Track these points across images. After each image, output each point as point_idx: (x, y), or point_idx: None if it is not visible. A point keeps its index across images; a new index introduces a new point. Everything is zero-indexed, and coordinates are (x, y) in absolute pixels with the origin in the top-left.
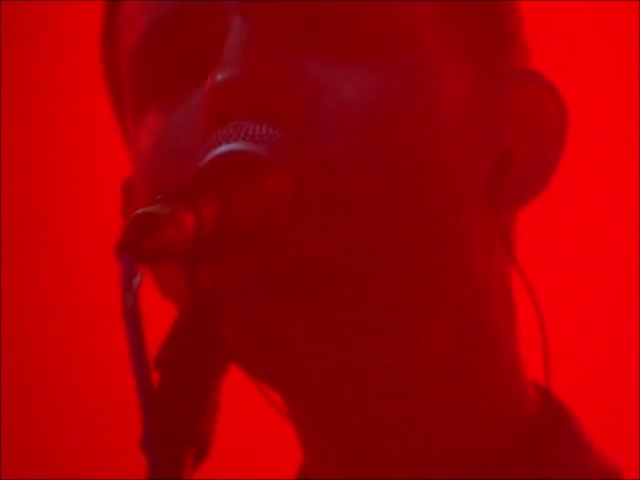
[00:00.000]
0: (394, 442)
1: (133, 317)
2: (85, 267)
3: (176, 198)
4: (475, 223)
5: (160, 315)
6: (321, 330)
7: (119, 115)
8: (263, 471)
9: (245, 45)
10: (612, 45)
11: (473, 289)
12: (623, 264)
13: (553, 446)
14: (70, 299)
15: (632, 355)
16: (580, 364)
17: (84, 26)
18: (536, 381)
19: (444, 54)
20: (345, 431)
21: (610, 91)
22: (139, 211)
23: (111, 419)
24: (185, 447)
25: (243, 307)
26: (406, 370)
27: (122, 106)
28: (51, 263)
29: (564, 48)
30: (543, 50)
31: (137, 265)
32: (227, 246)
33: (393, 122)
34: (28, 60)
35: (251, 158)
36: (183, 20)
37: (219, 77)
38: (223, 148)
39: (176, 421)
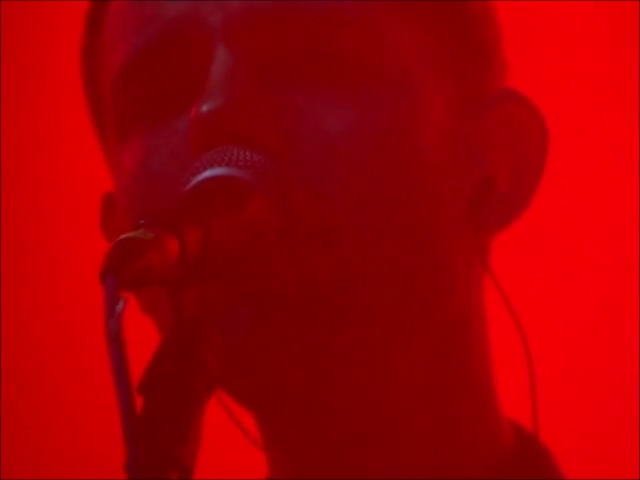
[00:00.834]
0: (368, 466)
1: (116, 342)
2: (84, 267)
3: (160, 223)
4: (457, 248)
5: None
6: (302, 356)
7: (99, 132)
8: None
9: (229, 74)
10: (612, 45)
11: (453, 314)
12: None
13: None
14: (68, 299)
15: (631, 357)
16: (569, 378)
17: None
18: (516, 422)
19: (428, 78)
20: (320, 454)
21: (610, 91)
22: (122, 236)
23: (111, 420)
24: (168, 472)
25: (225, 332)
26: (384, 395)
27: (103, 125)
28: (51, 264)
29: (564, 48)
30: (543, 50)
31: (121, 290)
32: (211, 271)
33: (374, 150)
34: (26, 60)
35: (235, 183)
36: (167, 46)
37: (204, 107)
38: (207, 173)
39: (159, 446)
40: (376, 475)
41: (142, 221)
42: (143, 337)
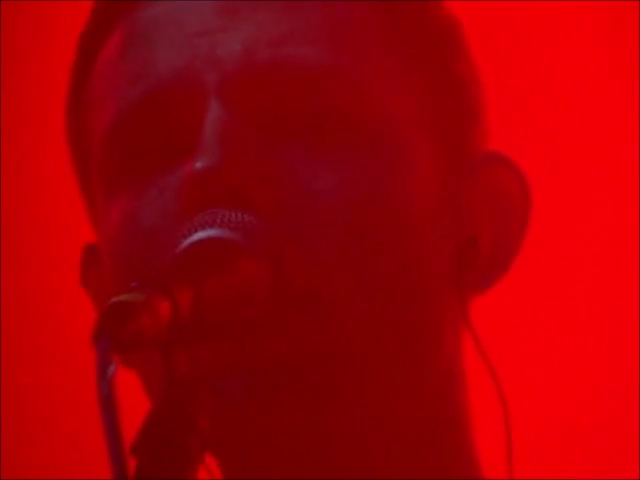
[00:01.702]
0: None
1: (108, 404)
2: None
3: (151, 285)
4: (442, 307)
5: (136, 402)
6: (290, 425)
7: (83, 186)
8: None
9: (223, 131)
10: (612, 45)
11: (441, 374)
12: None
13: None
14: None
15: (630, 357)
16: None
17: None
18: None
19: (418, 141)
20: None
21: (610, 91)
22: (114, 299)
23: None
24: None
25: (216, 396)
26: (372, 458)
27: (88, 179)
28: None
29: (564, 48)
30: (543, 50)
31: (112, 353)
32: (202, 333)
33: (365, 211)
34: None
35: (227, 244)
36: (159, 102)
37: (198, 165)
38: (199, 235)
39: None
40: None
41: (133, 284)
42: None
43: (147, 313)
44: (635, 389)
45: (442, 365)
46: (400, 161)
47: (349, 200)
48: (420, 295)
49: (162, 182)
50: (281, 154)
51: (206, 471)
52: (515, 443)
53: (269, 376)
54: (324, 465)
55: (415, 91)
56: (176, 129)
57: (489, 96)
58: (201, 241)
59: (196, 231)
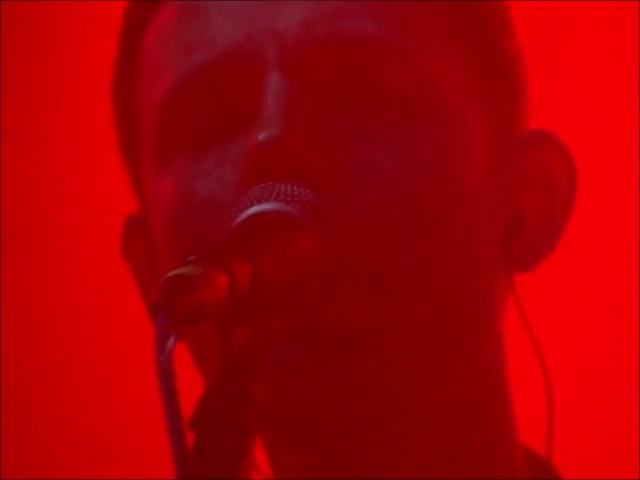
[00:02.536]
0: None
1: (167, 379)
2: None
3: (209, 259)
4: (494, 285)
5: (195, 376)
6: (342, 395)
7: (129, 157)
8: None
9: (285, 103)
10: (612, 45)
11: (490, 351)
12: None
13: None
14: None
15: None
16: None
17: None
18: (531, 449)
19: (470, 115)
20: None
21: (610, 91)
22: (172, 273)
23: (112, 420)
24: None
25: (275, 367)
26: (415, 429)
27: (135, 150)
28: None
29: (564, 48)
30: (543, 50)
31: (172, 327)
32: (260, 307)
33: (424, 187)
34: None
35: (283, 218)
36: (217, 74)
37: (262, 136)
38: (255, 209)
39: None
40: None
41: (191, 257)
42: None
43: (205, 287)
44: (635, 388)
45: (492, 342)
46: (456, 135)
47: (409, 174)
48: (474, 270)
49: (220, 153)
50: (341, 127)
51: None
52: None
53: (323, 346)
54: (372, 431)
55: (467, 67)
56: (235, 100)
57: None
58: (258, 215)
59: (253, 204)
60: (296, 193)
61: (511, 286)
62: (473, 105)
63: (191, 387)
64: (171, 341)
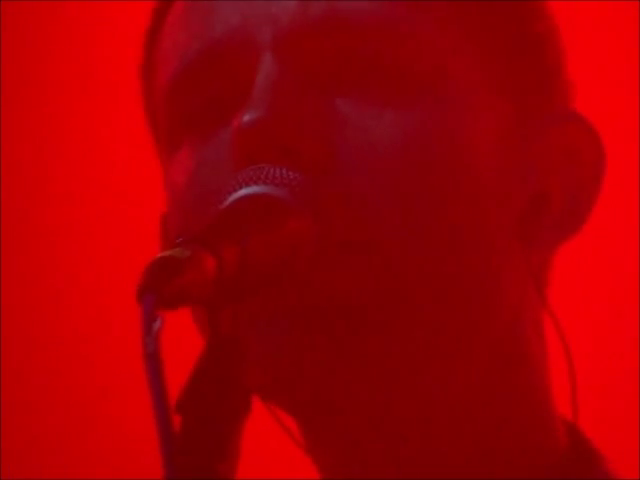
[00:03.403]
0: (421, 470)
1: (153, 361)
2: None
3: (196, 241)
4: (505, 263)
5: (181, 358)
6: (347, 367)
7: (157, 144)
8: None
9: (273, 85)
10: (612, 45)
11: (504, 327)
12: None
13: None
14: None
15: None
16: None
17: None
18: (564, 417)
19: (478, 92)
20: (365, 462)
21: (610, 91)
22: (159, 255)
23: (111, 419)
24: None
25: (265, 346)
26: (433, 406)
27: (159, 138)
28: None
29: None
30: None
31: (158, 309)
32: (248, 288)
33: (421, 164)
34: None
35: (271, 201)
36: (215, 57)
37: (246, 118)
38: (243, 191)
39: (198, 465)
40: (429, 477)
41: (178, 239)
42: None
43: (192, 269)
44: (635, 387)
45: (505, 315)
46: (456, 114)
47: (404, 150)
48: (478, 245)
49: (219, 137)
50: (334, 108)
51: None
52: None
53: (318, 321)
54: (376, 401)
55: (482, 48)
56: (231, 85)
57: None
58: (246, 197)
59: (241, 187)
60: (284, 175)
61: (532, 262)
62: (485, 84)
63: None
64: (157, 324)
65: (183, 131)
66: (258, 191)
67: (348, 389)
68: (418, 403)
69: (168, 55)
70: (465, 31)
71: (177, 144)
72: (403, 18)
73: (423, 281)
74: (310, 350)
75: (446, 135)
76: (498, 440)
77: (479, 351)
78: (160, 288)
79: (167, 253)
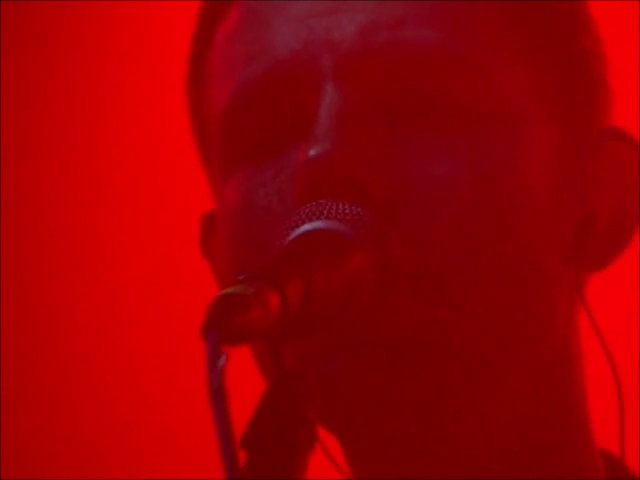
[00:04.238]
0: None
1: (219, 397)
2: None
3: (260, 278)
4: (559, 287)
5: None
6: (408, 401)
7: (205, 162)
8: None
9: (338, 117)
10: (612, 45)
11: (553, 351)
12: None
13: None
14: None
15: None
16: None
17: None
18: (604, 449)
19: (538, 121)
20: None
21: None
22: (224, 292)
23: (111, 417)
24: None
25: (328, 378)
26: (483, 432)
27: (208, 156)
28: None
29: None
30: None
31: (222, 345)
32: (311, 325)
33: (484, 201)
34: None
35: (334, 236)
36: (275, 84)
37: (312, 152)
38: (306, 227)
39: None
40: None
41: (242, 276)
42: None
43: (256, 305)
44: (635, 388)
45: (557, 343)
46: (519, 145)
47: (466, 186)
48: (535, 273)
49: (279, 164)
50: (397, 140)
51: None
52: None
53: (378, 355)
54: (433, 437)
55: (536, 69)
56: (292, 111)
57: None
58: (309, 233)
59: (304, 222)
60: (347, 210)
61: (579, 286)
62: (539, 108)
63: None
64: (222, 360)
65: (238, 155)
66: (321, 226)
67: (404, 422)
68: (467, 434)
69: (224, 72)
70: (521, 58)
71: (231, 167)
72: (467, 50)
73: (483, 312)
74: (365, 386)
75: (506, 169)
76: (539, 465)
77: (532, 376)
78: (225, 324)
79: (231, 290)
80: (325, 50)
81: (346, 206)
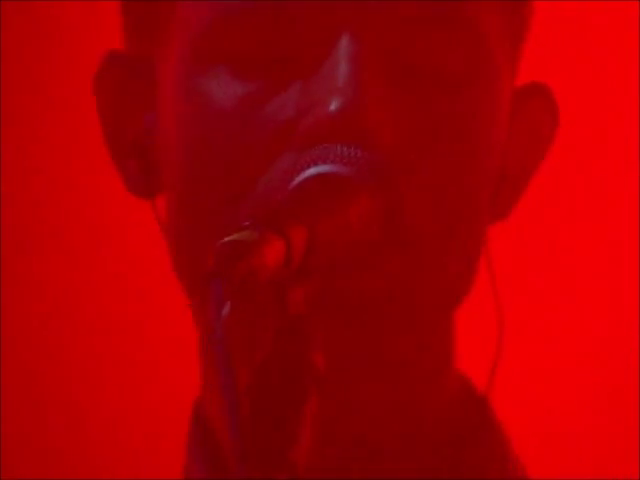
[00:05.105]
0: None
1: (223, 345)
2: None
3: (265, 224)
4: (482, 238)
5: None
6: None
7: (137, 19)
8: None
9: (357, 70)
10: (612, 45)
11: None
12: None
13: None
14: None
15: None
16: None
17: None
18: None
19: (507, 70)
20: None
21: (610, 90)
22: (228, 238)
23: (110, 416)
24: (278, 472)
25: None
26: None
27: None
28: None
29: (563, 47)
30: (543, 49)
31: (228, 293)
32: (316, 270)
33: (472, 145)
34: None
35: (340, 180)
36: (292, 16)
37: (334, 105)
38: (311, 171)
39: (268, 448)
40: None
41: (246, 223)
42: None
43: (261, 252)
44: (635, 388)
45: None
46: (499, 103)
47: (459, 136)
48: (477, 229)
49: (284, 87)
50: (406, 99)
51: None
52: (515, 443)
53: (363, 309)
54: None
55: (501, 9)
56: (303, 43)
57: None
58: (314, 177)
59: (309, 166)
60: (352, 154)
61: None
62: (506, 50)
63: None
64: (227, 308)
65: (225, 55)
66: (326, 170)
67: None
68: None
69: None
70: (497, 9)
71: (211, 63)
72: (474, 15)
73: (445, 275)
74: (346, 335)
75: (492, 121)
76: (417, 393)
77: (448, 318)
78: (229, 272)
79: (236, 237)
80: (349, 7)
81: (352, 150)
